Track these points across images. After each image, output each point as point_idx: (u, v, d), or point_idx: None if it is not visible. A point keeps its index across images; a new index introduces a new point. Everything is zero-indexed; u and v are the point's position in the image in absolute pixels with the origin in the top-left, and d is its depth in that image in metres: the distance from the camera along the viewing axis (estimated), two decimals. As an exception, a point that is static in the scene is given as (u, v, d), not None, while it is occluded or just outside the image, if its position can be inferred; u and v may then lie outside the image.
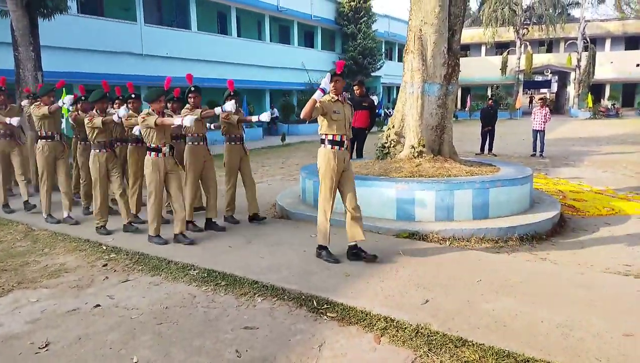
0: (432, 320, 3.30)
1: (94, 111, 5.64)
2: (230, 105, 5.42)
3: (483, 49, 42.15)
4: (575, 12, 40.81)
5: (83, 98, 6.39)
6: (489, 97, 14.41)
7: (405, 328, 3.22)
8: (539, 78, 44.71)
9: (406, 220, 5.59)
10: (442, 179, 5.72)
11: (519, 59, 38.08)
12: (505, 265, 4.44)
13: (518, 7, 36.43)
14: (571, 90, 38.84)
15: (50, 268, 4.65)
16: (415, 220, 5.57)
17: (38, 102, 6.25)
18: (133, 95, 5.93)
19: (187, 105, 5.66)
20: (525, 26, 37.34)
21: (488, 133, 13.46)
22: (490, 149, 13.54)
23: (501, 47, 41.44)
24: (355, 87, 8.47)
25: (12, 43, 12.37)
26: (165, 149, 5.10)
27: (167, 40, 18.62)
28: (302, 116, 4.35)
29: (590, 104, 33.19)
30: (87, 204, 6.67)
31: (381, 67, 29.48)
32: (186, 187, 5.62)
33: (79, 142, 6.71)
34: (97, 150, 5.62)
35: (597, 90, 37.83)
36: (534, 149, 13.29)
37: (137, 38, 17.58)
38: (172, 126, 5.16)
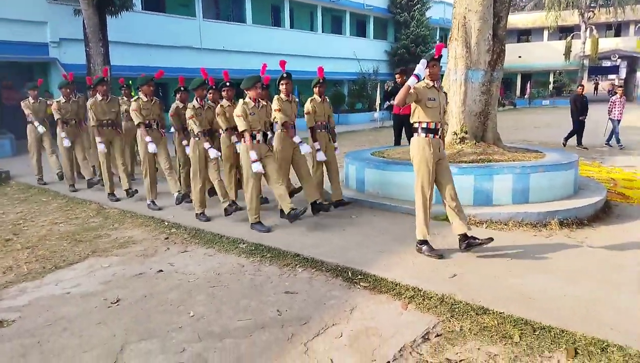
0: (457, 291, 3.54)
1: (195, 101, 5.81)
2: (305, 148, 5.53)
3: (545, 33, 40.24)
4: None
5: (182, 88, 6.46)
6: (580, 84, 13.41)
7: (431, 297, 3.48)
8: (606, 63, 42.20)
9: (439, 204, 5.75)
10: (482, 164, 5.83)
11: (584, 43, 36.07)
12: (539, 246, 4.56)
13: (584, -11, 34.52)
14: (641, 75, 36.45)
15: (119, 240, 5.26)
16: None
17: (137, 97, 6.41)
18: (227, 83, 5.92)
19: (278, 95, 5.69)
20: (591, 9, 35.30)
21: (580, 124, 12.14)
22: (579, 142, 12.22)
23: (565, 32, 39.43)
24: (397, 76, 8.62)
25: (84, 39, 13.46)
26: (259, 136, 5.20)
27: (224, 34, 19.39)
28: (395, 103, 4.19)
29: (663, 90, 31.09)
30: (187, 191, 6.58)
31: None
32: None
33: (176, 131, 6.68)
34: (197, 139, 5.73)
35: (670, 75, 35.30)
36: (617, 140, 12.25)
37: (196, 32, 18.45)
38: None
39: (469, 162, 6.01)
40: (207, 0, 19.78)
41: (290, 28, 23.18)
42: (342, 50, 25.17)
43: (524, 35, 43.25)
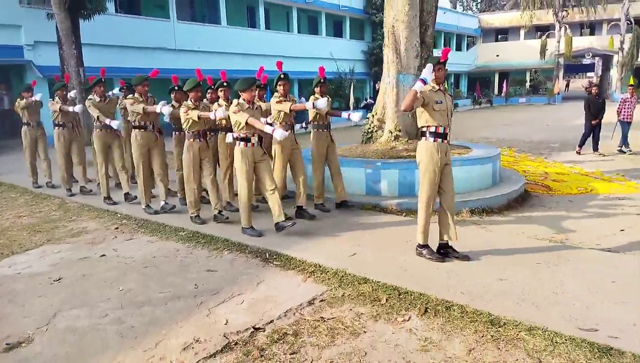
0: (350, 267, 4.16)
1: (189, 101, 5.69)
2: (322, 103, 5.54)
3: (522, 32, 41.13)
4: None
5: (176, 88, 6.33)
6: (590, 83, 11.93)
7: (328, 271, 4.10)
8: (586, 61, 43.17)
9: (373, 195, 6.38)
10: (406, 159, 6.46)
11: (559, 42, 37.03)
12: (434, 232, 5.19)
13: (557, -11, 35.43)
14: (614, 73, 37.51)
15: (73, 231, 5.80)
16: (381, 195, 6.36)
17: (132, 95, 6.36)
18: (225, 84, 5.96)
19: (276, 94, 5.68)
20: (564, 8, 36.27)
21: (594, 128, 10.83)
22: (595, 147, 10.94)
23: (541, 31, 40.35)
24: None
25: (57, 42, 13.90)
26: (254, 139, 5.11)
27: (199, 35, 19.86)
28: (402, 108, 4.18)
29: (633, 88, 32.06)
30: (183, 194, 6.47)
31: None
32: (274, 176, 5.57)
33: (173, 132, 6.63)
34: (192, 140, 5.65)
35: (641, 73, 36.35)
36: (625, 144, 10.97)
37: (170, 34, 18.91)
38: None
39: (397, 158, 6.63)
40: (182, 2, 20.20)
41: (266, 29, 23.69)
42: (319, 51, 25.73)
43: (502, 34, 44.14)
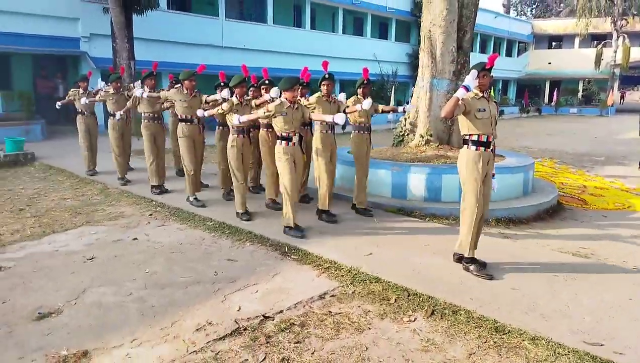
0: (365, 265, 4.24)
1: (234, 97, 5.74)
2: (367, 103, 5.45)
3: (577, 40, 39.61)
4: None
5: (222, 84, 6.39)
6: None
7: (342, 268, 4.21)
8: (642, 73, 41.08)
9: (399, 198, 6.42)
10: (434, 164, 6.46)
11: (616, 52, 35.43)
12: (454, 238, 5.18)
13: (616, -3, 33.92)
14: (675, 87, 35.57)
15: (111, 214, 6.15)
16: (406, 198, 6.39)
17: (179, 86, 6.53)
18: (267, 81, 6.02)
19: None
20: (624, 17, 34.68)
21: None
22: None
23: (597, 39, 38.73)
24: None
25: (111, 35, 14.59)
26: (295, 138, 5.11)
27: (246, 33, 20.30)
28: (442, 115, 4.04)
29: (694, 103, 30.30)
30: (227, 189, 6.77)
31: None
32: (319, 175, 5.67)
33: (217, 126, 6.70)
34: (235, 135, 5.71)
35: None
36: None
37: (218, 31, 19.45)
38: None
39: (427, 162, 6.63)
40: (231, 0, 20.69)
41: (312, 29, 23.92)
42: (363, 52, 25.72)
43: (555, 41, 42.66)
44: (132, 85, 8.47)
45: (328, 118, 4.98)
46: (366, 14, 26.72)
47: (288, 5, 23.52)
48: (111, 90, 8.02)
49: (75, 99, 8.57)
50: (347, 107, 5.71)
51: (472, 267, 4.12)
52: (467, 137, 4.11)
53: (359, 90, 5.81)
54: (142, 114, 7.22)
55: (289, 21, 23.90)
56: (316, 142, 5.68)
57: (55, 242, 5.03)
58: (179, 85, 7.27)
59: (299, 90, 5.28)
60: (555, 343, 2.98)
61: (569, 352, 2.89)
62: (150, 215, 6.13)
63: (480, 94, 4.06)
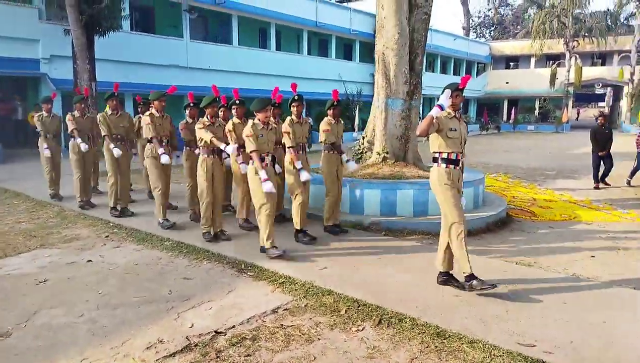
0: (318, 280, 4.36)
1: (205, 117, 5.75)
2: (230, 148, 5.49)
3: (532, 61, 41.49)
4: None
5: (192, 104, 6.42)
6: (600, 113, 11.22)
7: (297, 283, 4.31)
8: (598, 91, 43.22)
9: (356, 213, 6.60)
10: (389, 180, 6.68)
11: (569, 71, 37.26)
12: (412, 248, 5.39)
13: (568, 20, 35.82)
14: (624, 104, 37.56)
15: (67, 237, 6.08)
16: (363, 214, 6.57)
17: (150, 110, 6.44)
18: (237, 102, 6.00)
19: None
20: (575, 38, 36.59)
21: (604, 159, 10.33)
22: (602, 178, 10.46)
23: (552, 59, 40.65)
24: None
25: (72, 57, 14.48)
26: (268, 159, 5.15)
27: (210, 54, 20.45)
28: (417, 133, 4.14)
29: (640, 120, 32.06)
30: (193, 209, 6.73)
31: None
32: (293, 197, 5.67)
33: (185, 147, 6.71)
34: (206, 156, 5.67)
35: (652, 104, 36.31)
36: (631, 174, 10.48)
37: (183, 52, 19.52)
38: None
39: (382, 178, 6.85)
40: (196, 22, 20.84)
41: (277, 50, 24.28)
42: (328, 72, 26.25)
43: (512, 61, 44.50)
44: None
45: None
46: (331, 36, 27.34)
47: (254, 27, 23.84)
48: (76, 113, 7.80)
49: (38, 122, 8.23)
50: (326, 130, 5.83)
51: (474, 283, 4.01)
52: (437, 155, 4.19)
53: (329, 112, 5.91)
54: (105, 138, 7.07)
55: (255, 42, 24.21)
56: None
57: (7, 266, 4.95)
58: (146, 107, 7.28)
59: (271, 110, 5.36)
60: (491, 345, 3.15)
61: (503, 353, 3.07)
62: (107, 236, 6.09)
63: (453, 114, 4.16)
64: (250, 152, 5.03)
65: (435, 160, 4.22)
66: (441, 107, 4.03)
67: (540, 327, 3.45)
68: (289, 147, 5.61)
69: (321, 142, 5.97)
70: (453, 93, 4.11)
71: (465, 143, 4.25)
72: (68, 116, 7.79)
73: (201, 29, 22.10)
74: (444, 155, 4.15)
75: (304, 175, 5.29)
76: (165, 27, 20.13)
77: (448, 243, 4.16)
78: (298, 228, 5.67)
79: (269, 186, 4.88)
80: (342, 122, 6.09)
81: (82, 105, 7.92)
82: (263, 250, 5.12)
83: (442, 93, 4.10)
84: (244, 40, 22.75)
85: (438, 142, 4.16)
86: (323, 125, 5.89)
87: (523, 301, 3.91)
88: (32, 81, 16.35)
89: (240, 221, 6.38)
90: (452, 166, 4.15)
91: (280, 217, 6.46)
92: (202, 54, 20.12)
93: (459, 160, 4.18)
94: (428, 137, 4.22)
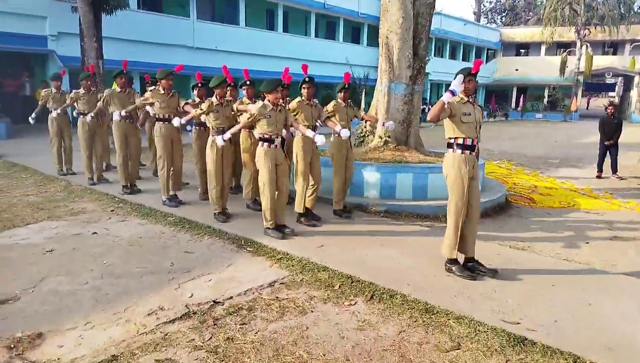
0: (315, 256, 4.50)
1: (214, 98, 5.71)
2: (345, 133, 5.46)
3: (543, 48, 41.00)
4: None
5: (200, 84, 6.41)
6: (610, 103, 10.88)
7: (293, 259, 4.45)
8: (609, 80, 42.71)
9: (357, 195, 6.70)
10: (389, 163, 6.77)
11: (579, 60, 36.82)
12: (409, 232, 5.51)
13: (580, 7, 35.29)
14: (634, 94, 37.16)
15: (73, 210, 6.24)
16: (363, 196, 6.68)
17: (156, 86, 6.47)
18: (247, 82, 5.99)
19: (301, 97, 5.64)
20: (587, 27, 36.09)
21: (609, 149, 10.30)
22: (614, 170, 10.36)
23: (562, 47, 40.13)
24: None
25: (79, 34, 14.51)
26: (277, 141, 5.11)
27: (217, 34, 20.41)
28: (428, 119, 4.02)
29: (650, 110, 31.79)
30: (203, 189, 6.67)
31: (426, 63, 29.89)
32: (296, 179, 5.70)
33: (194, 127, 6.74)
34: (215, 136, 5.57)
35: (663, 95, 35.93)
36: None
37: (189, 32, 19.50)
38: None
39: (384, 162, 6.94)
40: (202, 1, 20.77)
41: (284, 32, 24.18)
42: (336, 55, 26.13)
43: (523, 48, 44.00)
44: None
45: (309, 133, 5.06)
46: (339, 19, 27.14)
47: (261, 8, 23.70)
48: (81, 90, 7.89)
49: (48, 98, 8.33)
50: (329, 116, 5.75)
51: (454, 268, 4.14)
52: (452, 141, 4.15)
53: (339, 95, 5.90)
54: (113, 114, 7.10)
55: (262, 24, 24.09)
56: (296, 148, 5.63)
57: (16, 236, 5.12)
58: (153, 86, 7.22)
59: (281, 91, 5.27)
60: (476, 321, 3.28)
61: (487, 329, 3.20)
62: (112, 211, 6.25)
63: (466, 99, 4.11)
64: (246, 123, 5.08)
65: (450, 145, 4.18)
66: (453, 93, 3.97)
67: (526, 306, 3.57)
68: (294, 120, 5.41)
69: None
70: (466, 78, 4.06)
71: (480, 128, 4.20)
72: (71, 94, 7.88)
73: (208, 9, 22.02)
74: (459, 141, 4.10)
75: (319, 139, 4.95)
76: (172, 7, 20.07)
77: (465, 227, 4.18)
78: (299, 211, 5.70)
79: (320, 139, 4.90)
80: (353, 105, 6.01)
81: (88, 83, 7.96)
82: (265, 231, 5.15)
83: (455, 78, 4.06)
84: (251, 21, 22.66)
85: (452, 128, 4.11)
86: (329, 108, 5.87)
87: (512, 282, 4.03)
88: (40, 58, 16.44)
89: (248, 202, 6.41)
90: (467, 152, 4.10)
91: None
92: (208, 34, 20.09)
93: (475, 145, 4.14)
94: (436, 123, 4.17)
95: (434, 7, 7.53)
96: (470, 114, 4.09)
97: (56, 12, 15.50)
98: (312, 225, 5.59)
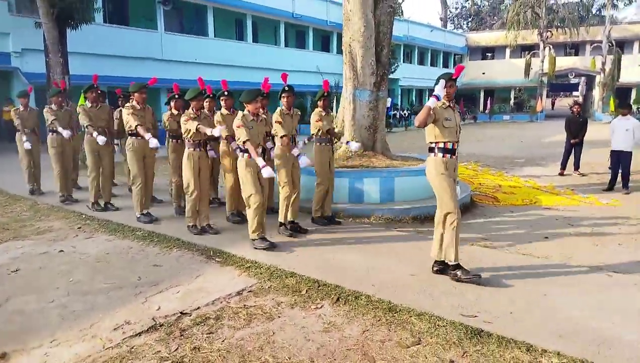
0: (283, 264, 4.57)
1: (191, 110, 5.66)
2: (304, 161, 5.47)
3: (507, 51, 42.17)
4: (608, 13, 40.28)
5: (176, 96, 6.30)
6: (575, 102, 11.55)
7: (262, 267, 4.51)
8: (573, 80, 44.06)
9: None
10: (357, 168, 6.91)
11: (543, 61, 37.98)
12: (378, 235, 5.64)
13: (541, 10, 36.48)
14: (596, 93, 38.52)
15: (40, 229, 6.17)
16: (333, 202, 6.78)
17: (130, 102, 6.36)
18: (226, 93, 5.97)
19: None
20: (548, 29, 37.31)
21: (574, 147, 10.58)
22: (577, 167, 10.67)
23: (526, 50, 41.34)
24: None
25: (44, 50, 14.31)
26: (258, 150, 5.11)
27: (186, 46, 20.37)
28: (416, 125, 4.10)
29: (613, 108, 32.95)
30: (178, 203, 6.66)
31: (395, 70, 30.38)
32: (280, 189, 5.67)
33: (170, 139, 6.64)
34: (192, 149, 5.57)
35: (623, 94, 37.33)
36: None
37: (157, 44, 19.41)
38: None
39: (350, 167, 7.08)
40: (171, 14, 20.73)
41: (254, 42, 24.28)
42: (306, 64, 26.35)
43: (488, 52, 45.12)
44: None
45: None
46: (308, 28, 27.41)
47: (229, 19, 23.77)
48: (53, 106, 7.66)
49: (16, 116, 8.15)
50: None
51: (459, 273, 4.12)
52: (433, 145, 4.22)
53: (319, 103, 5.93)
54: (85, 129, 6.93)
55: (231, 34, 24.16)
56: (276, 157, 5.59)
57: (-21, 258, 5.05)
58: (127, 99, 7.04)
59: (261, 101, 5.29)
60: (436, 317, 3.41)
61: (446, 323, 3.33)
62: (79, 228, 6.20)
63: (447, 103, 4.21)
64: (244, 143, 4.95)
65: (431, 150, 4.26)
66: (437, 98, 4.07)
67: (484, 300, 3.72)
68: (281, 136, 5.51)
69: (313, 134, 5.98)
70: (447, 83, 4.16)
71: (460, 132, 4.31)
72: (46, 109, 7.64)
73: (176, 21, 21.98)
74: (441, 145, 4.18)
75: (266, 172, 4.88)
76: (140, 19, 19.96)
77: (442, 233, 4.24)
78: (280, 220, 5.71)
79: (268, 171, 4.85)
80: (332, 112, 6.06)
81: (60, 99, 7.74)
82: (254, 244, 5.11)
83: (437, 83, 4.15)
84: (220, 32, 22.70)
85: (434, 132, 4.18)
86: (315, 117, 5.90)
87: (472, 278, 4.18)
88: (3, 75, 16.10)
89: (228, 214, 6.33)
90: (448, 155, 4.19)
91: (270, 211, 6.29)
92: (177, 46, 20.04)
93: (455, 149, 4.24)
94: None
95: (394, 15, 7.75)
96: (451, 119, 4.19)
97: (19, 28, 15.25)
98: (290, 236, 5.57)
